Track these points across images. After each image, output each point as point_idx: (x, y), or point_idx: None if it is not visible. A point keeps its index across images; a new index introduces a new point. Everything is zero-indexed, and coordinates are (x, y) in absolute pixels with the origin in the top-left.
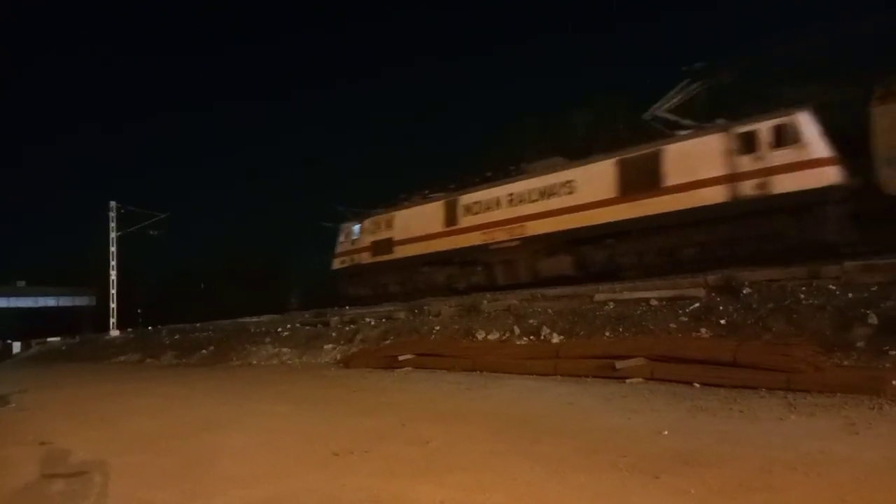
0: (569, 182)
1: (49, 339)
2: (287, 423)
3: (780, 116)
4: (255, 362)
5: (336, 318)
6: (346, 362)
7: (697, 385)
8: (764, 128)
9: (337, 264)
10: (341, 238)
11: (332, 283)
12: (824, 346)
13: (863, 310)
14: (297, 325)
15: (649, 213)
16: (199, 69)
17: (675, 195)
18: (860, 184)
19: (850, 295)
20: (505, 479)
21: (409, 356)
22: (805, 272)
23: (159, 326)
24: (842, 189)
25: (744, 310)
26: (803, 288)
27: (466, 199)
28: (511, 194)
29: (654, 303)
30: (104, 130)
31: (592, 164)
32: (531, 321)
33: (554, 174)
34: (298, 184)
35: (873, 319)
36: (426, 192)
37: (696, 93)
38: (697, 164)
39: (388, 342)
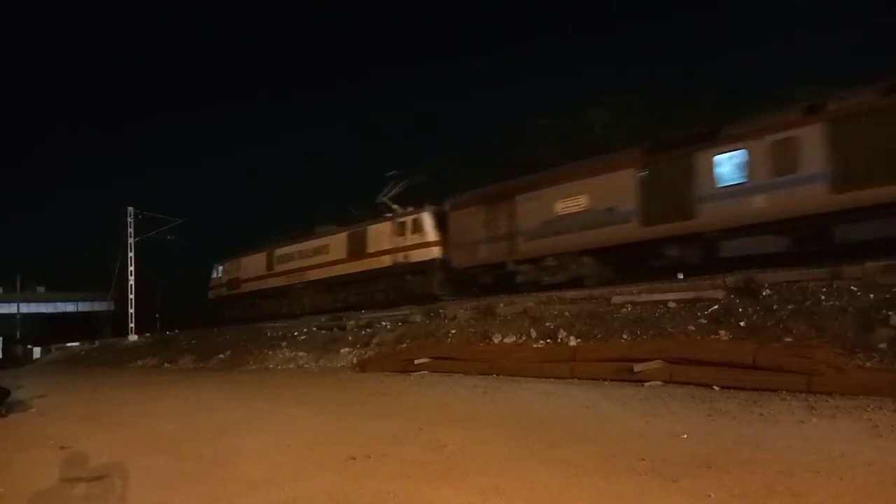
0: (326, 245)
1: (69, 345)
2: (304, 427)
3: (415, 213)
4: (271, 366)
5: (352, 322)
6: (363, 366)
7: (717, 388)
8: (408, 220)
9: (211, 295)
10: (213, 275)
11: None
12: (846, 347)
13: (885, 311)
14: (314, 328)
15: (360, 270)
16: (196, 69)
17: (371, 259)
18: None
19: (871, 296)
20: (522, 483)
21: (424, 360)
22: (826, 273)
23: (177, 331)
24: (441, 261)
25: (763, 311)
26: (824, 289)
27: (278, 251)
28: (301, 251)
29: (672, 305)
30: (105, 130)
31: (337, 234)
32: (548, 324)
33: (320, 239)
34: (298, 183)
35: (895, 321)
36: (257, 244)
37: (404, 186)
38: (380, 240)
39: (404, 345)
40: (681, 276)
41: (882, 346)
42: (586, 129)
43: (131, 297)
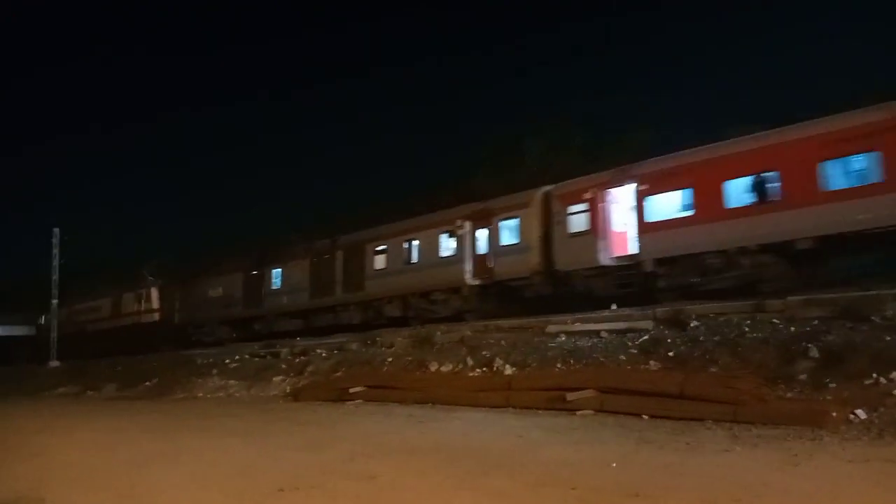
0: (100, 305)
1: None
2: (231, 459)
3: (149, 287)
4: (200, 395)
5: (286, 350)
6: (296, 395)
7: (646, 417)
8: (144, 291)
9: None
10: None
11: None
12: (768, 378)
13: (805, 343)
14: (246, 356)
15: (117, 325)
16: (188, 69)
17: (123, 317)
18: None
19: (792, 329)
20: None
21: (359, 389)
22: (750, 306)
23: (101, 358)
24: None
25: (691, 343)
26: (748, 322)
27: (79, 306)
28: (91, 307)
29: (604, 335)
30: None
31: (105, 298)
32: (484, 353)
33: (97, 301)
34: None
35: (815, 353)
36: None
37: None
38: (133, 303)
39: (339, 374)
40: (614, 306)
41: (802, 377)
42: (522, 159)
43: (55, 321)
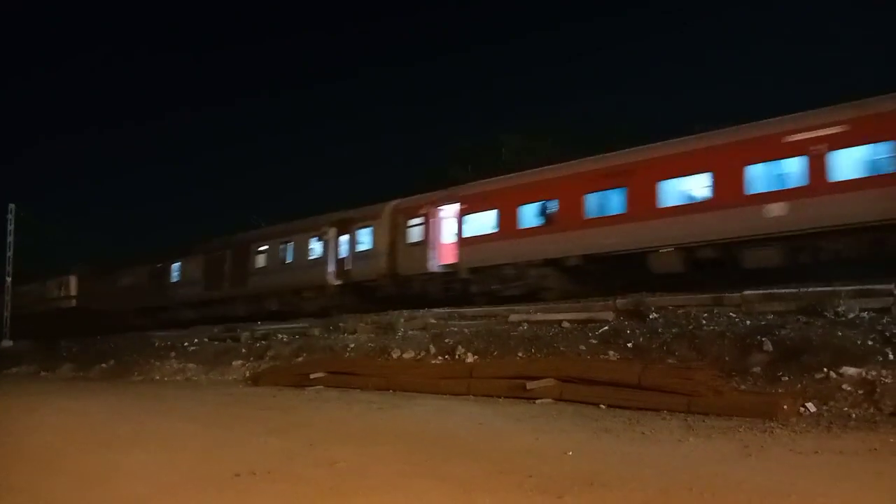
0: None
1: None
2: (189, 442)
3: (68, 276)
4: (158, 378)
5: (247, 334)
6: (256, 380)
7: (604, 406)
8: (65, 279)
9: None
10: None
11: None
12: (724, 370)
13: (760, 337)
14: (206, 339)
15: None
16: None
17: (52, 302)
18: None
19: (748, 322)
20: (412, 500)
21: (321, 374)
22: (709, 299)
23: (58, 337)
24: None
25: (650, 334)
26: (706, 314)
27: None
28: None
29: (565, 325)
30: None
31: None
32: (447, 340)
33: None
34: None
35: (769, 346)
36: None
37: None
38: (55, 289)
39: (300, 359)
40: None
41: (756, 370)
42: (497, 154)
43: (7, 298)
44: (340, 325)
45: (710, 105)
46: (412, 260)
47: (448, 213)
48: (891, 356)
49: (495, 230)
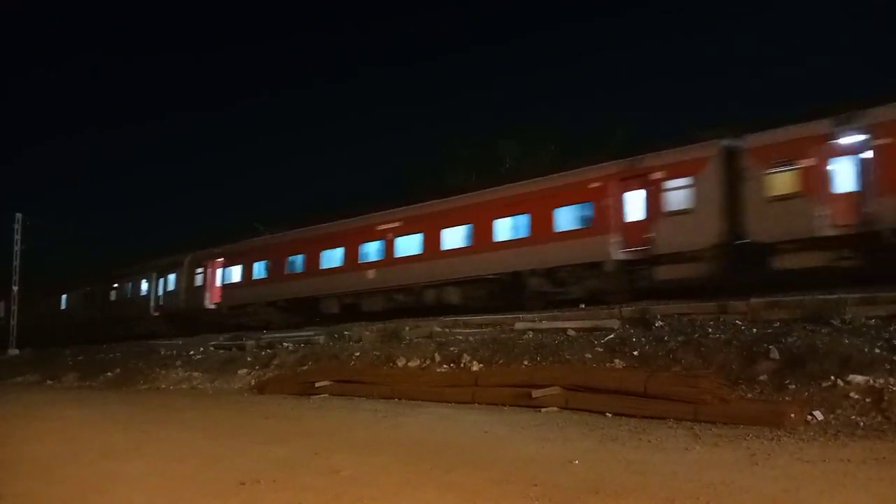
0: None
1: None
2: (193, 451)
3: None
4: (163, 386)
5: (252, 342)
6: (261, 388)
7: (609, 415)
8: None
9: None
10: None
11: None
12: (730, 378)
13: (766, 345)
14: (211, 348)
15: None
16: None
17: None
18: None
19: (754, 330)
20: None
21: (326, 383)
22: (715, 307)
23: (64, 347)
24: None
25: (655, 342)
26: (711, 322)
27: None
28: None
29: (571, 333)
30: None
31: None
32: (452, 349)
33: None
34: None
35: (775, 354)
36: None
37: None
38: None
39: (305, 368)
40: (582, 305)
41: (763, 377)
42: (497, 160)
43: (14, 308)
44: (346, 333)
45: (710, 104)
46: (196, 298)
47: (217, 265)
48: None
49: (240, 280)
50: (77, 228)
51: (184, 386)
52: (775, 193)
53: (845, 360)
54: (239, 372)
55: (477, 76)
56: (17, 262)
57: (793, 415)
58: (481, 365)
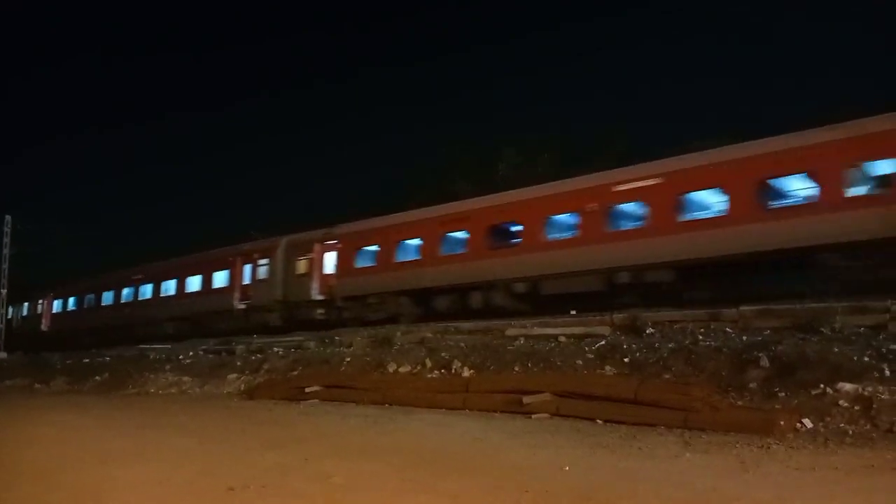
0: None
1: None
2: (182, 456)
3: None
4: (153, 391)
5: (242, 347)
6: (251, 393)
7: (600, 421)
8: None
9: None
10: None
11: None
12: (720, 386)
13: (756, 353)
14: (200, 352)
15: None
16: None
17: None
18: None
19: (745, 338)
20: None
21: (316, 388)
22: (706, 315)
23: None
24: None
25: (646, 349)
26: (702, 330)
27: None
28: None
29: (562, 339)
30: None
31: None
32: (443, 354)
33: None
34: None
35: (765, 362)
36: None
37: None
38: None
39: (295, 373)
40: (573, 312)
41: (753, 385)
42: (497, 167)
43: (2, 311)
44: (336, 338)
45: (709, 102)
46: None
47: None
48: (887, 372)
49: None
50: (66, 231)
51: (173, 391)
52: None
53: (835, 368)
54: (229, 377)
55: (477, 76)
56: (5, 266)
57: (782, 422)
58: (472, 371)
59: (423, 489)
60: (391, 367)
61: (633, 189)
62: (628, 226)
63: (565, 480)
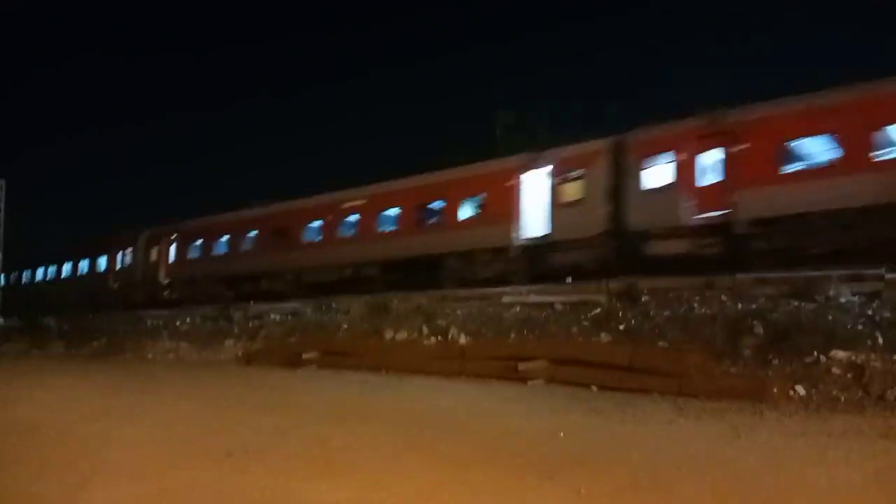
0: None
1: None
2: (181, 419)
3: None
4: (150, 356)
5: (239, 314)
6: (248, 359)
7: (595, 388)
8: None
9: None
10: None
11: None
12: (715, 353)
13: (751, 321)
14: (198, 319)
15: None
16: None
17: None
18: None
19: (739, 306)
20: (403, 478)
21: (313, 354)
22: (701, 283)
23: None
24: None
25: (642, 317)
26: (697, 298)
27: None
28: None
29: (558, 307)
30: None
31: None
32: (440, 321)
33: None
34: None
35: (759, 330)
36: None
37: None
38: None
39: (293, 339)
40: (569, 279)
41: (746, 352)
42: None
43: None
44: (333, 305)
45: (709, 102)
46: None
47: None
48: (880, 340)
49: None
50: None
51: (170, 356)
52: None
53: (828, 336)
54: (226, 343)
55: (477, 76)
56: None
57: (775, 389)
58: (469, 338)
59: (418, 451)
60: (388, 334)
61: None
62: None
63: (560, 445)
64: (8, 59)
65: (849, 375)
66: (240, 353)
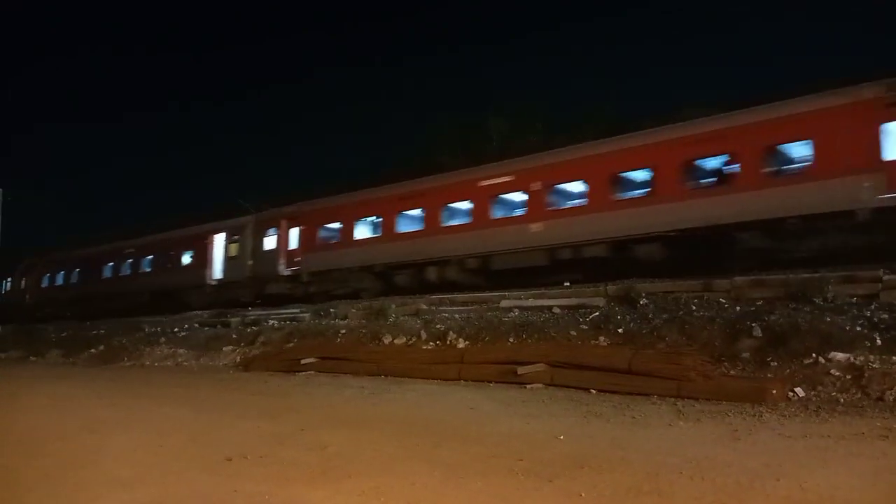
0: None
1: None
2: (179, 426)
3: None
4: (148, 363)
5: (237, 320)
6: (246, 365)
7: (594, 391)
8: None
9: None
10: None
11: None
12: (713, 355)
13: (749, 322)
14: (196, 325)
15: None
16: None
17: None
18: None
19: (738, 308)
20: (403, 484)
21: (312, 360)
22: (699, 285)
23: (46, 323)
24: None
25: (640, 319)
26: (696, 300)
27: None
28: None
29: (556, 310)
30: None
31: None
32: (438, 326)
33: None
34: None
35: (758, 332)
36: None
37: None
38: None
39: (291, 345)
40: (567, 283)
41: (745, 355)
42: (486, 137)
43: None
44: (332, 310)
45: (708, 102)
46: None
47: None
48: (878, 342)
49: None
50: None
51: (168, 363)
52: None
53: (827, 337)
54: (224, 349)
55: (477, 76)
56: None
57: (774, 391)
58: (467, 342)
59: (418, 457)
60: (386, 339)
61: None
62: None
63: (560, 449)
64: (8, 59)
65: (848, 377)
66: (238, 360)
